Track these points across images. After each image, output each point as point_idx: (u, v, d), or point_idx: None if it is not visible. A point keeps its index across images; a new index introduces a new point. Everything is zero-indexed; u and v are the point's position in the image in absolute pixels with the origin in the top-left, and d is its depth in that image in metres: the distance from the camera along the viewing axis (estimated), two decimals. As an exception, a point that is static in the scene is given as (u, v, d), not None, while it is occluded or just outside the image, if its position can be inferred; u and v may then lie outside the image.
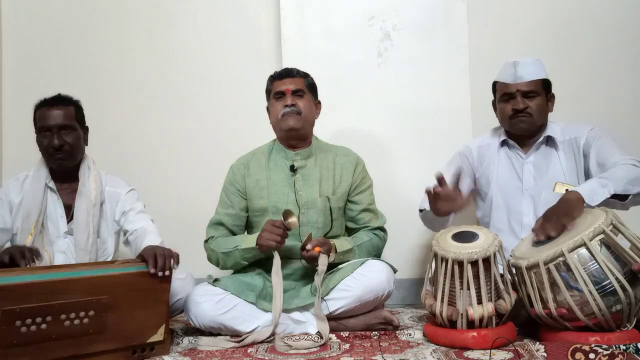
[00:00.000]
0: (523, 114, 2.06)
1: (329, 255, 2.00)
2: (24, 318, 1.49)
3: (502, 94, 2.11)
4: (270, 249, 1.99)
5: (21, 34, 2.99)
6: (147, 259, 1.70)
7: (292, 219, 1.97)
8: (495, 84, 2.17)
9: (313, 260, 1.99)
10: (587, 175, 2.04)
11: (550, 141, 2.12)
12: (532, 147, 2.13)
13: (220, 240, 2.15)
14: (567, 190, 1.93)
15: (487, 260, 1.71)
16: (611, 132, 2.12)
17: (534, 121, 2.08)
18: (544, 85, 2.09)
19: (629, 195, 1.81)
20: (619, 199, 1.82)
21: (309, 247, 1.97)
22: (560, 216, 1.74)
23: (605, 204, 1.80)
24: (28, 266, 1.78)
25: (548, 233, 1.72)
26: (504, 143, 2.19)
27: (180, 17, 2.94)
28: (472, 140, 2.34)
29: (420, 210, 2.14)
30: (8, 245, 2.08)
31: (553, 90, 2.14)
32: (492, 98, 2.22)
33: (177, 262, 1.75)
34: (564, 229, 1.71)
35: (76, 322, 1.56)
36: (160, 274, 1.68)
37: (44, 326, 1.51)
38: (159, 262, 1.69)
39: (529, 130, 2.11)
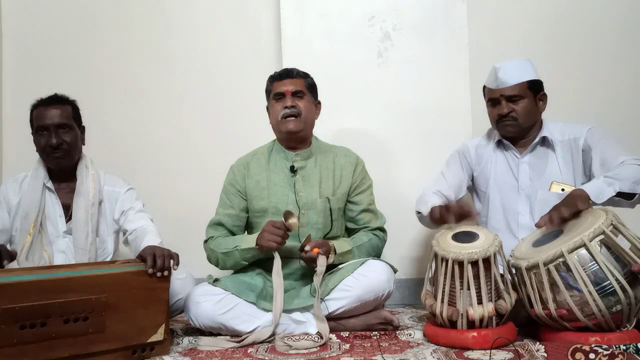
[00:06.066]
0: (508, 118, 2.08)
1: (328, 257, 2.00)
2: (23, 317, 1.49)
3: (488, 98, 2.15)
4: (270, 250, 1.99)
5: (21, 34, 2.99)
6: (145, 258, 1.70)
7: (293, 220, 1.96)
8: (484, 88, 2.19)
9: (311, 262, 1.98)
10: (586, 175, 2.05)
11: (546, 141, 2.13)
12: (528, 147, 2.13)
13: (220, 240, 2.15)
14: (562, 189, 1.94)
15: (487, 260, 1.71)
16: (610, 131, 2.12)
17: (519, 124, 2.09)
18: (531, 87, 2.08)
19: (636, 194, 1.82)
20: (624, 198, 1.83)
21: (307, 248, 1.97)
22: (568, 206, 1.75)
23: (611, 202, 1.82)
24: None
25: (562, 215, 1.73)
26: (499, 143, 2.20)
27: (180, 17, 2.94)
28: (469, 140, 2.35)
29: (418, 212, 2.15)
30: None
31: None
32: None
33: (177, 263, 1.75)
34: (574, 214, 1.74)
35: (76, 321, 1.56)
36: (158, 274, 1.68)
37: (43, 325, 1.51)
38: (157, 262, 1.69)
39: (516, 133, 2.12)
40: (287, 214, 1.97)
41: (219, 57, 2.90)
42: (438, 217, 1.92)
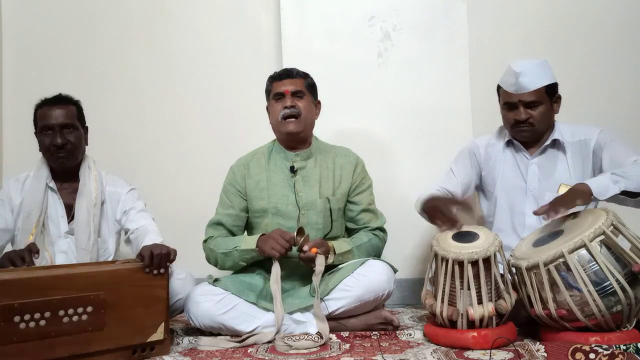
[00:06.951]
0: (525, 124, 2.05)
1: (327, 257, 2.01)
2: (22, 314, 1.49)
3: (505, 102, 2.10)
4: (271, 256, 2.00)
5: (21, 34, 2.99)
6: (143, 256, 1.71)
7: (302, 239, 1.97)
8: (499, 87, 2.14)
9: (310, 262, 1.98)
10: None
11: (556, 144, 2.11)
12: (538, 149, 2.12)
13: (220, 240, 2.15)
14: None
15: (487, 260, 1.71)
16: (613, 132, 2.11)
17: (536, 130, 2.07)
18: (548, 91, 2.05)
19: None
20: (630, 196, 1.82)
21: (306, 248, 1.97)
22: (566, 202, 1.75)
23: (616, 200, 1.81)
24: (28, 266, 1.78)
25: (558, 212, 1.72)
26: (509, 143, 2.18)
27: (180, 17, 2.94)
28: (479, 138, 2.31)
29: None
30: (9, 247, 2.08)
31: None
32: (496, 98, 2.19)
33: (174, 258, 1.75)
34: (571, 207, 1.74)
35: (75, 318, 1.56)
36: (155, 272, 1.69)
37: (42, 322, 1.52)
38: (154, 261, 1.70)
39: (532, 138, 2.11)
40: (301, 231, 1.99)
41: (219, 57, 2.90)
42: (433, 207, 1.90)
